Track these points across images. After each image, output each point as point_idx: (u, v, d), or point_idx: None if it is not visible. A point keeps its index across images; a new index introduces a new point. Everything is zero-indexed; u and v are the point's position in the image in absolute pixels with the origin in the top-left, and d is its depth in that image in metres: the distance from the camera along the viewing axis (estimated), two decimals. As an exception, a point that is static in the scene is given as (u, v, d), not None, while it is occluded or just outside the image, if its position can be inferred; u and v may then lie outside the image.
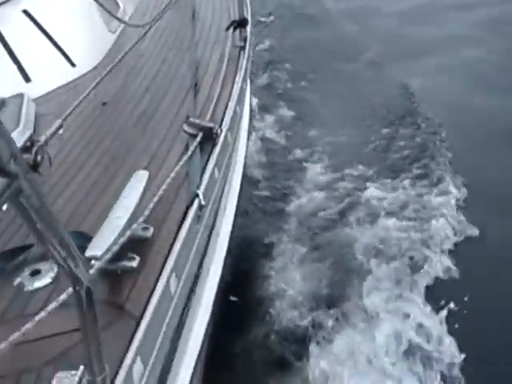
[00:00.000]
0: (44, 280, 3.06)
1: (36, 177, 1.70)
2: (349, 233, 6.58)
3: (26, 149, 1.73)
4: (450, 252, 6.24)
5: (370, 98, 9.75)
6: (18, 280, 3.09)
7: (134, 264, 2.94)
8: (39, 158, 1.72)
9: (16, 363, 2.76)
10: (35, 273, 3.10)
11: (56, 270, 3.10)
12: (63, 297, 2.41)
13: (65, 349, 2.74)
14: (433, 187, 7.27)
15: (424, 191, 7.23)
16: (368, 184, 7.42)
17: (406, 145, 8.35)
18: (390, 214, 6.84)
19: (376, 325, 5.34)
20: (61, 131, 2.23)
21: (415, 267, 6.02)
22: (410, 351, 5.11)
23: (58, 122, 2.34)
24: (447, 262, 6.08)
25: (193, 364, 3.14)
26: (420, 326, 5.34)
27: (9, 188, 1.56)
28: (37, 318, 2.38)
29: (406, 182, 7.41)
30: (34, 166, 1.72)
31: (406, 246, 6.29)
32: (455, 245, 6.35)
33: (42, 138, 1.96)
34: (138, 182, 3.17)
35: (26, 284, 3.06)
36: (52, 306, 2.37)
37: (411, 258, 6.13)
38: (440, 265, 6.04)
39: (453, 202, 6.98)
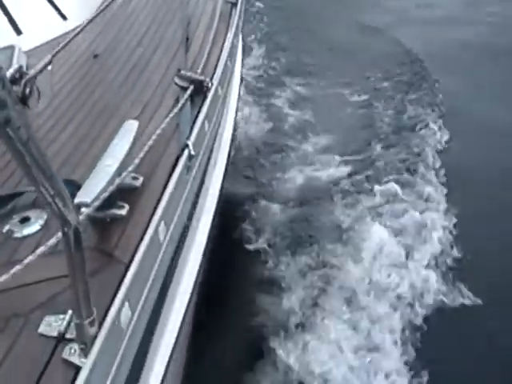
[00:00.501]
0: (33, 227, 3.07)
1: (25, 110, 1.70)
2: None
3: (15, 81, 1.71)
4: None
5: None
6: (6, 227, 3.10)
7: (123, 212, 2.95)
8: (28, 91, 1.70)
9: (4, 309, 2.79)
10: (24, 220, 3.11)
11: (45, 217, 3.11)
12: (52, 241, 2.43)
13: (53, 294, 2.76)
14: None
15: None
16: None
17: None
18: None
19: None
20: (50, 67, 2.21)
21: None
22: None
23: (47, 58, 2.33)
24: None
25: (183, 311, 3.16)
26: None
27: None
28: (26, 261, 2.40)
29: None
30: (23, 99, 1.70)
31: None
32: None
33: (32, 72, 1.94)
34: (128, 131, 3.16)
35: (14, 231, 3.07)
36: (40, 249, 2.39)
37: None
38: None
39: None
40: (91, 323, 2.37)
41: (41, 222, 3.08)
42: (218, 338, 4.79)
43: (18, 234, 3.06)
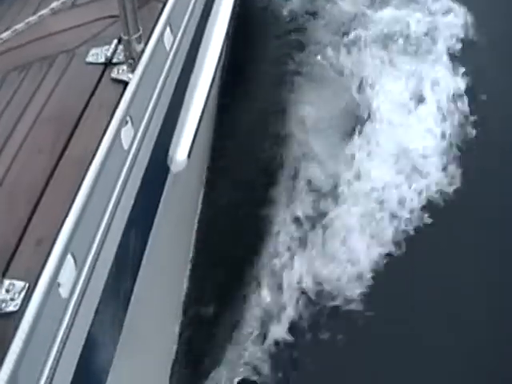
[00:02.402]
0: None
1: None
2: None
3: None
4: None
5: None
6: None
7: None
8: None
9: (49, 49, 2.96)
10: None
11: None
12: None
13: (97, 32, 2.91)
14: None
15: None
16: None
17: None
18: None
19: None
20: None
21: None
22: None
23: None
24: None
25: (221, 42, 3.24)
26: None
27: None
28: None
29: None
30: None
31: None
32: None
33: None
34: None
35: None
36: None
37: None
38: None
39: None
40: (138, 40, 2.52)
41: None
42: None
43: None
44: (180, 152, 2.98)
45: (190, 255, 3.73)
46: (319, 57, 5.45)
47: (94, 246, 2.10)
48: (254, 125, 4.70)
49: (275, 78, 5.17)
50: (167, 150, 2.94)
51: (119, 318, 2.39)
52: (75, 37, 2.93)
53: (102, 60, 2.72)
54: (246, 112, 4.70)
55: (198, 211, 3.90)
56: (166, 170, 2.97)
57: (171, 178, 3.01)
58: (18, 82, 2.89)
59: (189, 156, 3.00)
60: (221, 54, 3.15)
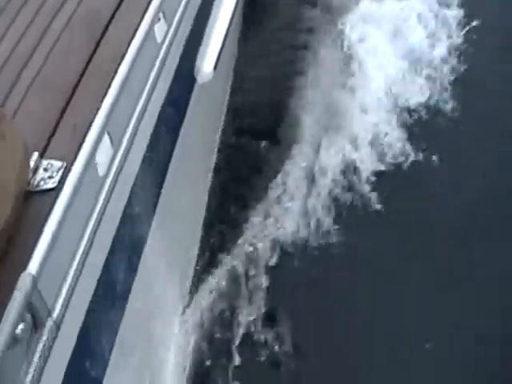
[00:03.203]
0: None
1: None
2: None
3: None
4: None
5: None
6: None
7: None
8: None
9: None
10: None
11: None
12: None
13: None
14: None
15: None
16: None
17: None
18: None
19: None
20: None
21: None
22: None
23: None
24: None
25: None
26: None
27: None
28: None
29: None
30: None
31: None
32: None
33: None
34: None
35: None
36: None
37: None
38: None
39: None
40: None
41: None
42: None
43: None
44: (206, 64, 3.05)
45: (217, 144, 3.86)
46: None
47: (130, 127, 2.21)
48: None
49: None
50: (194, 61, 3.01)
51: (154, 196, 2.52)
52: None
53: None
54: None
55: (223, 115, 4.00)
56: (193, 80, 3.05)
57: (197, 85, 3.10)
58: None
59: (215, 68, 3.07)
60: None
